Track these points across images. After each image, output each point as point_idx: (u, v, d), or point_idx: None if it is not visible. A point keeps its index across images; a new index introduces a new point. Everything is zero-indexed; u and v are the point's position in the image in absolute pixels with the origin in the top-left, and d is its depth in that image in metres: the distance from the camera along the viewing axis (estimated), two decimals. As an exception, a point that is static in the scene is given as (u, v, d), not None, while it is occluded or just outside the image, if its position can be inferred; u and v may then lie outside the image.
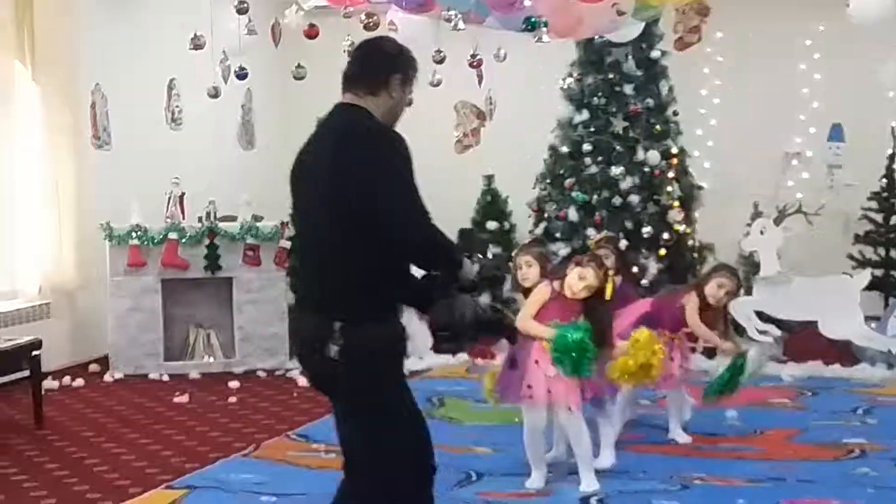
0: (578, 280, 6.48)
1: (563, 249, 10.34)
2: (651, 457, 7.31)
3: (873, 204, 10.92)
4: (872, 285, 10.40)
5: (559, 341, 6.36)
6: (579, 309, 6.52)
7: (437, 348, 5.25)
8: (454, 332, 4.56)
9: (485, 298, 9.89)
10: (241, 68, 8.63)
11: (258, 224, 10.47)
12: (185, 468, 7.18)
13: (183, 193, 10.50)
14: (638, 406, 8.14)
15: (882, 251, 10.83)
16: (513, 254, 7.22)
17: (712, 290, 7.49)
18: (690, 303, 7.50)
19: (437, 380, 9.79)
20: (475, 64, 8.31)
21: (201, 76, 9.21)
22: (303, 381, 9.71)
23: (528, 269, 6.70)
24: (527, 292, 6.69)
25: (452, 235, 4.96)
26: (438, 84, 8.05)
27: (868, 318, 10.11)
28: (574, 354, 6.35)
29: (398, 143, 4.43)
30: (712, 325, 7.53)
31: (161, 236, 10.23)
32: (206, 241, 10.32)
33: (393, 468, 4.48)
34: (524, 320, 6.49)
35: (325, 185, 4.43)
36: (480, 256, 4.56)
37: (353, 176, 4.37)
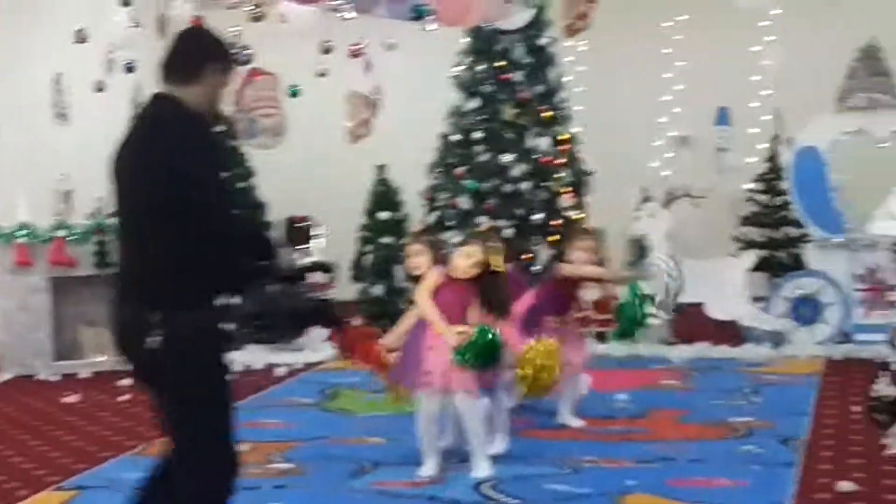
0: (466, 258, 6.53)
1: (455, 238, 10.38)
2: (543, 442, 7.37)
3: (758, 186, 11.12)
4: (758, 266, 10.61)
5: (469, 350, 6.39)
6: (472, 292, 6.56)
7: (253, 339, 5.14)
8: (267, 322, 4.61)
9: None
10: (130, 61, 8.54)
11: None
12: (75, 469, 7.09)
13: (71, 190, 10.36)
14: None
15: (767, 232, 11.03)
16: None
17: (576, 257, 7.58)
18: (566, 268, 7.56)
19: (330, 372, 9.78)
20: (355, 53, 8.31)
21: (89, 71, 9.09)
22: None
23: (417, 258, 6.72)
24: (418, 281, 6.70)
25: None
26: (324, 74, 8.03)
27: (754, 299, 10.31)
28: (482, 356, 6.39)
29: (205, 132, 4.57)
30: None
31: (48, 234, 10.09)
32: (95, 238, 10.20)
33: (201, 456, 4.51)
34: (424, 307, 6.51)
35: (134, 176, 4.51)
36: (304, 246, 4.58)
37: (159, 166, 4.40)
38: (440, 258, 6.76)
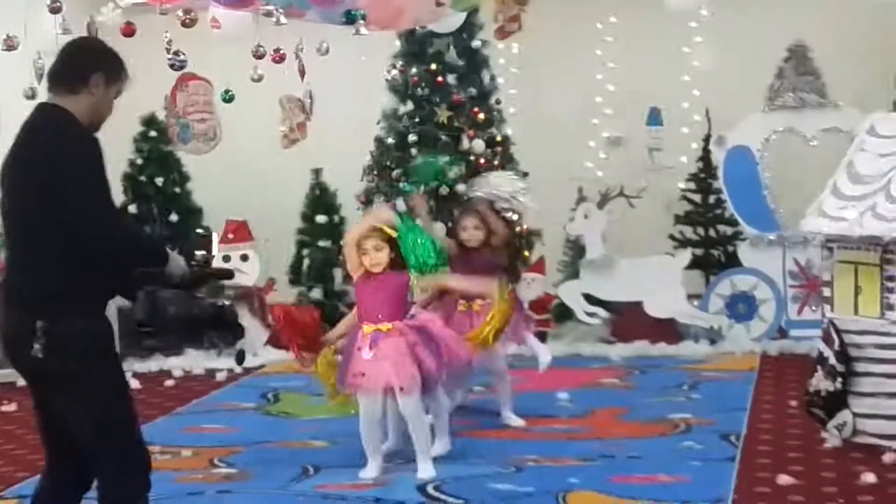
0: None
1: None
2: (485, 442, 7.42)
3: (691, 185, 11.23)
4: (693, 264, 10.72)
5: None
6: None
7: (142, 345, 5.13)
8: (157, 327, 4.56)
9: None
10: (57, 68, 8.46)
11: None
12: (16, 477, 7.03)
13: None
14: (470, 393, 8.24)
15: (701, 231, 11.14)
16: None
17: (464, 235, 7.62)
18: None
19: (271, 376, 9.76)
20: (277, 59, 8.28)
21: (15, 77, 8.99)
22: (135, 384, 9.58)
23: (377, 254, 6.61)
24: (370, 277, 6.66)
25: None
26: (260, 80, 8.01)
27: (690, 297, 10.42)
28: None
29: (85, 141, 4.53)
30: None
31: (-18, 240, 9.97)
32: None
33: (111, 458, 4.57)
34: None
35: (16, 185, 4.57)
36: (202, 253, 4.75)
37: (40, 175, 4.44)
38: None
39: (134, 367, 10.06)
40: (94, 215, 4.44)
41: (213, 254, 5.30)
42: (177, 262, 4.69)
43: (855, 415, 6.84)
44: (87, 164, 4.47)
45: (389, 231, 6.60)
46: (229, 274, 5.26)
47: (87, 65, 4.64)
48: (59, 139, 4.51)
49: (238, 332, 5.00)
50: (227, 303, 5.04)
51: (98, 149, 4.51)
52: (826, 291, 7.14)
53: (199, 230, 5.05)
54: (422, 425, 6.68)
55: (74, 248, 4.42)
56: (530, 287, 10.13)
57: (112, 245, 4.51)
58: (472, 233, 7.64)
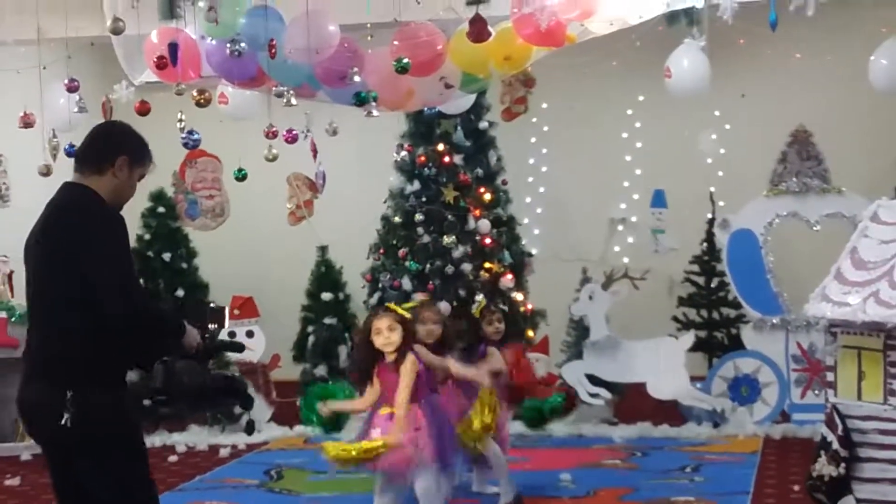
0: (423, 325, 6.78)
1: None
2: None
3: (695, 267, 11.28)
4: (696, 346, 10.74)
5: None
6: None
7: (156, 413, 5.15)
8: (171, 396, 4.79)
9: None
10: (72, 145, 8.57)
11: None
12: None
13: (12, 271, 10.33)
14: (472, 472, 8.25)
15: (704, 313, 11.18)
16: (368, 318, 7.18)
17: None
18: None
19: (274, 451, 9.77)
20: (290, 140, 8.40)
21: (30, 153, 9.11)
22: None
23: (391, 334, 6.65)
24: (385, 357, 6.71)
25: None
26: (275, 159, 8.11)
27: (693, 379, 10.44)
28: None
29: (110, 220, 4.74)
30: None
31: (-11, 315, 10.04)
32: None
33: None
34: (401, 407, 6.57)
35: (42, 261, 4.77)
36: (215, 326, 5.05)
37: (65, 252, 4.66)
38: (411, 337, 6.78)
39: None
40: (118, 292, 4.61)
41: (225, 327, 5.29)
42: (192, 334, 4.86)
43: (858, 500, 6.83)
44: (113, 243, 4.69)
45: (403, 312, 6.66)
46: (240, 347, 5.40)
47: (114, 148, 4.87)
48: (86, 218, 4.70)
49: (248, 402, 5.14)
50: (236, 373, 5.03)
51: (124, 227, 4.72)
52: (829, 376, 7.16)
53: (212, 304, 5.24)
54: (435, 499, 6.70)
55: (99, 322, 4.59)
56: (535, 366, 10.16)
57: (133, 321, 4.67)
58: (497, 326, 7.84)
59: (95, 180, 4.81)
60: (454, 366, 6.98)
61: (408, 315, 6.65)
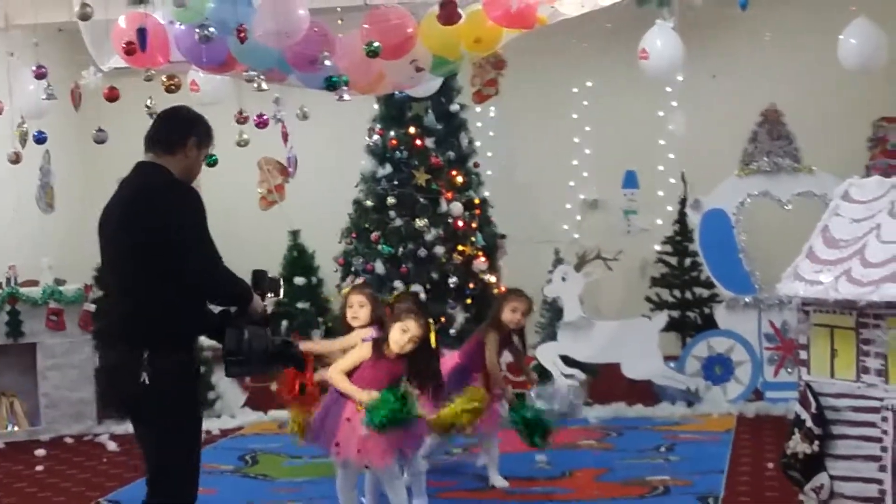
0: (402, 333, 6.58)
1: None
2: (463, 502, 7.43)
3: (668, 248, 11.32)
4: (670, 326, 10.79)
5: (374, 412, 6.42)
6: (401, 370, 6.61)
7: (228, 372, 5.58)
8: (242, 358, 5.21)
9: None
10: (40, 132, 8.52)
11: (61, 288, 10.32)
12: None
13: (-19, 257, 10.30)
14: (450, 455, 8.26)
15: (677, 293, 11.21)
16: (343, 293, 7.25)
17: (507, 315, 7.71)
18: (489, 341, 7.65)
19: (249, 437, 9.76)
20: (260, 124, 8.35)
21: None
22: (112, 446, 9.59)
23: (359, 309, 6.81)
24: (350, 331, 6.75)
25: (248, 275, 5.53)
26: (246, 144, 8.08)
27: (667, 358, 10.47)
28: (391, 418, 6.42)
29: (191, 195, 5.22)
30: (518, 356, 7.91)
31: (-41, 304, 10.01)
32: (7, 307, 10.11)
33: (175, 477, 5.23)
34: (336, 372, 6.55)
35: (123, 234, 5.18)
36: (273, 295, 5.50)
37: (149, 225, 5.08)
38: (377, 316, 6.82)
39: (112, 430, 10.09)
40: (204, 262, 5.11)
41: (280, 296, 6.06)
42: (258, 302, 5.35)
43: (832, 477, 6.87)
44: (193, 215, 5.13)
45: (433, 336, 6.68)
46: (294, 315, 5.73)
47: (184, 130, 5.37)
48: (168, 193, 5.17)
49: (301, 366, 5.79)
50: (291, 340, 5.73)
51: (201, 201, 5.19)
52: (802, 354, 7.19)
53: (271, 275, 5.69)
54: (397, 489, 6.70)
55: (178, 290, 5.06)
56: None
57: (217, 288, 5.22)
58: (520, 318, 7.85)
59: (167, 159, 5.28)
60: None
61: (377, 295, 6.70)
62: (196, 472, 5.32)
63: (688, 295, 11.20)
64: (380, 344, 6.61)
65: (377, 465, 6.54)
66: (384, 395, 6.40)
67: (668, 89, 11.47)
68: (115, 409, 5.55)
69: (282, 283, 6.11)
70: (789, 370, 9.99)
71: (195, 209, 5.15)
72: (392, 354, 6.59)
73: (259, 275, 5.60)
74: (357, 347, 6.66)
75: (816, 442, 6.85)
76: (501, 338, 7.76)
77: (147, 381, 5.02)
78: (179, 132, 5.35)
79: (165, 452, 5.19)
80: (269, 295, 5.54)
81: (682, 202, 11.22)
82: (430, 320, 6.85)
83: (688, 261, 11.20)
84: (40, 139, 8.68)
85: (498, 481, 7.80)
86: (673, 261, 11.27)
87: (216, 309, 5.44)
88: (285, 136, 8.96)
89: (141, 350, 5.05)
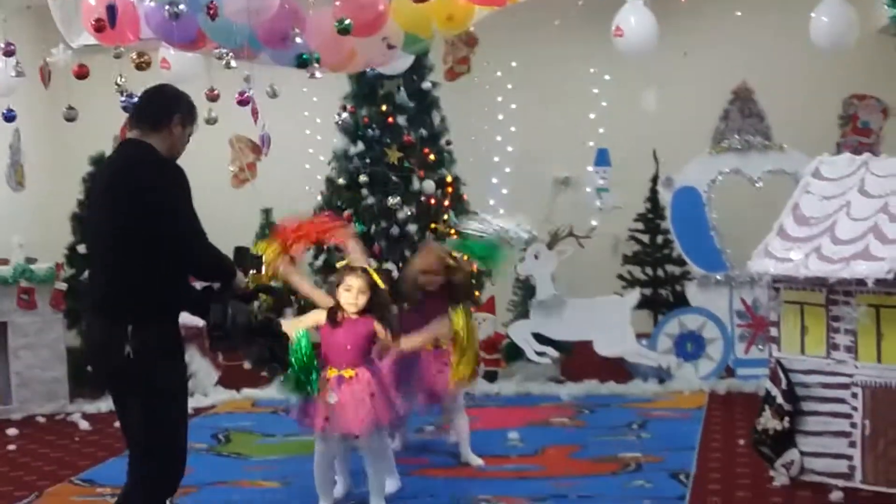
0: (346, 292, 6.61)
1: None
2: (436, 480, 7.46)
3: (640, 225, 11.33)
4: (642, 304, 10.82)
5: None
6: (368, 328, 6.65)
7: (212, 347, 5.78)
8: (226, 332, 5.30)
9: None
10: (10, 109, 8.46)
11: (32, 266, 10.27)
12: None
13: (-45, 234, 10.25)
14: (422, 432, 8.28)
15: (650, 271, 11.24)
16: (339, 266, 7.19)
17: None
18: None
19: (222, 415, 9.76)
20: (241, 101, 8.32)
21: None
22: (84, 425, 9.57)
23: (359, 296, 6.67)
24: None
25: (229, 251, 5.58)
26: (214, 122, 8.03)
27: (639, 336, 10.51)
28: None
29: (176, 172, 5.32)
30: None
31: (-72, 281, 9.95)
32: (-28, 283, 10.07)
33: (161, 449, 5.30)
34: (290, 327, 6.50)
35: (109, 209, 5.27)
36: (254, 271, 5.56)
37: (134, 201, 5.16)
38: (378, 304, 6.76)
39: (84, 408, 10.07)
40: (189, 238, 5.23)
41: (262, 272, 6.01)
42: (241, 277, 5.47)
43: (802, 453, 6.93)
44: (179, 191, 5.24)
45: (377, 277, 6.66)
46: (277, 291, 6.28)
47: (169, 108, 5.44)
48: (153, 169, 5.26)
49: (284, 342, 5.67)
50: (272, 315, 5.74)
51: (186, 177, 5.30)
52: (773, 331, 7.24)
53: (252, 251, 5.81)
54: (381, 464, 6.72)
55: (162, 265, 5.17)
56: (481, 326, 10.20)
57: (202, 264, 5.34)
58: (432, 278, 7.68)
59: (153, 137, 5.35)
60: (410, 342, 6.96)
61: (382, 284, 6.67)
62: (183, 448, 5.40)
63: (660, 273, 11.23)
64: (333, 314, 6.62)
65: (354, 433, 6.54)
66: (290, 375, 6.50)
67: (640, 66, 11.47)
68: (99, 384, 5.58)
69: (263, 259, 6.15)
70: (760, 347, 10.03)
71: (180, 185, 5.25)
72: (352, 316, 6.62)
73: (241, 251, 5.67)
74: (314, 312, 6.68)
75: (787, 418, 6.92)
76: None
77: (131, 355, 5.12)
78: (164, 110, 5.43)
79: (151, 427, 5.24)
80: (250, 271, 5.61)
81: (654, 180, 11.24)
82: (366, 265, 6.91)
83: (660, 238, 11.22)
84: (9, 117, 8.63)
85: (472, 459, 7.81)
86: (645, 238, 11.29)
87: (199, 285, 5.52)
88: (255, 114, 8.93)
89: (125, 323, 5.14)
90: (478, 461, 7.80)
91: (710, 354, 10.30)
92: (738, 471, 7.40)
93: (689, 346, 10.34)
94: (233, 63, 7.54)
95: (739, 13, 11.59)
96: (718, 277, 10.43)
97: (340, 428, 6.53)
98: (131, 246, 5.18)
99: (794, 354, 7.04)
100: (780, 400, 6.93)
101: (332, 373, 6.56)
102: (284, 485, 7.47)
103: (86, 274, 10.47)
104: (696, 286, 10.58)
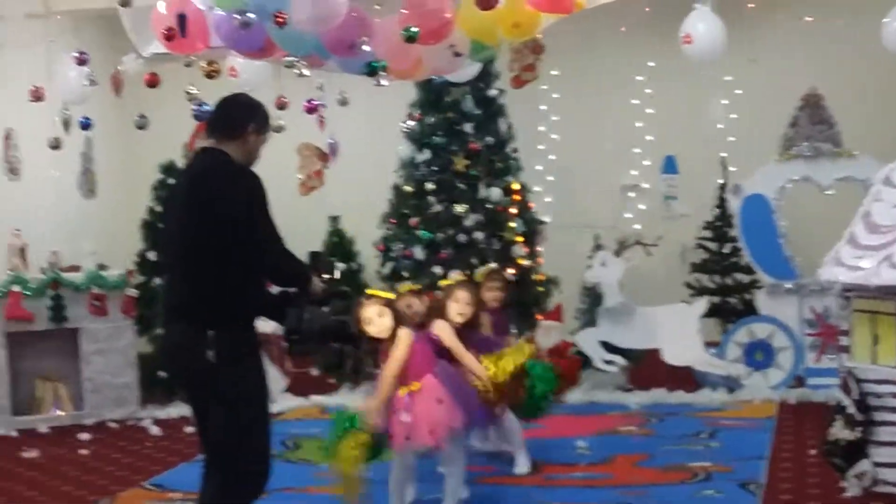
0: (456, 304, 6.88)
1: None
2: (505, 488, 7.45)
3: (707, 233, 11.27)
4: (710, 312, 10.74)
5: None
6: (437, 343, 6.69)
7: (289, 351, 5.97)
8: (302, 336, 5.41)
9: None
10: (85, 118, 8.57)
11: (103, 273, 10.39)
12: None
13: (25, 244, 10.37)
14: (486, 439, 8.27)
15: (718, 279, 11.17)
16: (446, 284, 7.26)
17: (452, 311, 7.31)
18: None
19: (290, 422, 9.80)
20: (310, 109, 8.38)
21: (39, 126, 9.10)
22: (155, 431, 9.66)
23: (466, 307, 6.83)
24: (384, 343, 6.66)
25: (303, 257, 5.72)
26: (282, 130, 8.09)
27: (708, 344, 10.43)
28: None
29: (253, 179, 5.38)
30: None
31: (3, 289, 10.07)
32: (51, 292, 10.19)
33: (243, 452, 5.37)
34: (390, 376, 6.53)
35: (188, 217, 5.36)
36: (328, 276, 5.63)
37: (215, 208, 5.26)
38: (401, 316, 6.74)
39: (155, 414, 10.17)
40: (267, 244, 5.33)
41: (336, 277, 6.02)
42: (316, 282, 5.54)
43: (875, 464, 6.85)
44: (258, 197, 5.33)
45: (385, 295, 6.66)
46: (348, 295, 6.09)
47: (244, 117, 5.55)
48: (230, 176, 5.38)
49: (358, 344, 5.94)
50: (346, 319, 5.78)
51: (262, 185, 5.37)
52: (844, 340, 7.16)
53: (318, 253, 5.96)
54: (457, 471, 6.73)
55: (241, 271, 5.28)
56: (548, 334, 10.17)
57: (279, 269, 5.45)
58: (495, 294, 7.81)
59: (229, 145, 5.47)
60: (468, 359, 6.92)
61: (391, 296, 6.66)
62: (264, 453, 5.48)
63: (728, 281, 11.15)
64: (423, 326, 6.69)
65: (431, 445, 6.56)
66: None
67: (708, 73, 11.40)
68: (177, 389, 5.69)
69: (335, 263, 6.21)
70: (831, 356, 9.92)
71: (255, 193, 5.33)
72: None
73: (316, 256, 5.77)
74: (396, 346, 6.58)
75: (859, 428, 6.82)
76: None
77: (213, 360, 5.22)
78: (239, 119, 5.54)
79: (231, 432, 5.32)
80: (324, 275, 5.69)
81: (722, 187, 11.17)
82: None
83: (728, 246, 11.14)
84: (85, 125, 8.76)
85: (520, 462, 7.80)
86: (713, 246, 11.22)
87: (275, 290, 5.62)
88: (322, 122, 8.98)
89: (205, 329, 5.23)
90: (524, 468, 7.77)
91: (780, 363, 10.20)
92: (809, 481, 7.32)
93: (759, 354, 10.25)
94: (305, 71, 7.58)
95: (809, 18, 11.49)
96: (788, 286, 10.34)
97: (419, 443, 6.54)
98: (208, 254, 5.27)
99: (866, 364, 6.95)
100: (851, 410, 6.85)
101: (402, 391, 6.56)
102: (352, 491, 7.48)
103: (157, 280, 10.62)
104: (765, 294, 10.49)
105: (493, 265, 8.44)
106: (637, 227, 11.15)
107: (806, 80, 10.79)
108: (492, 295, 7.80)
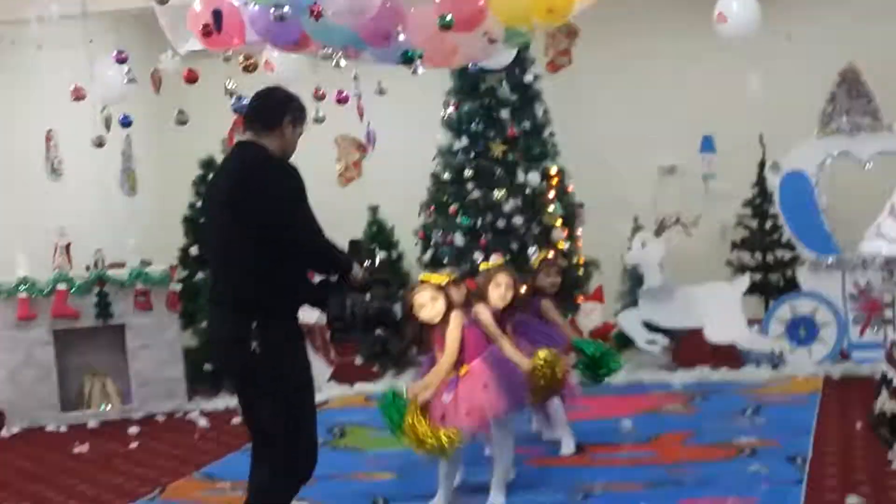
0: (497, 286, 6.96)
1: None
2: (551, 469, 7.48)
3: (747, 211, 11.26)
4: (752, 289, 10.74)
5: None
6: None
7: (333, 339, 6.07)
8: (345, 323, 5.50)
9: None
10: (126, 115, 8.64)
11: (147, 269, 10.50)
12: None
13: (69, 243, 10.49)
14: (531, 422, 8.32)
15: (759, 256, 11.16)
16: (487, 267, 7.30)
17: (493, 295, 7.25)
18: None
19: (336, 409, 9.87)
20: (340, 100, 8.43)
21: (80, 125, 9.19)
22: (203, 422, 9.75)
23: (434, 304, 6.60)
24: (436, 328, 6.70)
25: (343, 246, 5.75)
26: (322, 121, 8.14)
27: (750, 322, 10.43)
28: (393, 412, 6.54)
29: (291, 171, 5.45)
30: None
31: (49, 287, 10.20)
32: (96, 290, 10.31)
33: (290, 440, 5.42)
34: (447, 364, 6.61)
35: (228, 210, 5.40)
36: (369, 263, 5.70)
37: (255, 201, 5.31)
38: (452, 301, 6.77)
39: (202, 406, 10.27)
40: (307, 235, 5.41)
41: (376, 264, 6.14)
42: (357, 269, 5.60)
43: (921, 435, 6.85)
44: (297, 191, 5.39)
45: (437, 279, 6.68)
46: (388, 282, 6.27)
47: (280, 110, 5.61)
48: (268, 169, 5.44)
49: (399, 328, 6.05)
50: (389, 305, 5.86)
51: (301, 176, 5.43)
52: (888, 313, 7.16)
53: (358, 241, 6.07)
54: (505, 453, 6.78)
55: (283, 261, 5.32)
56: (590, 316, 10.21)
57: (320, 258, 5.53)
58: (554, 279, 7.99)
59: (265, 138, 5.53)
60: (507, 345, 6.91)
61: (442, 282, 6.68)
62: (311, 441, 5.55)
63: (769, 258, 11.15)
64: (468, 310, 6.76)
65: (496, 421, 6.62)
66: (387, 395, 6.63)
67: (743, 52, 11.36)
68: (223, 380, 5.77)
69: (376, 251, 6.27)
70: (875, 330, 9.90)
71: (296, 184, 5.39)
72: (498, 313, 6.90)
73: (355, 244, 5.86)
74: (450, 330, 6.62)
75: (904, 399, 6.82)
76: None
77: (258, 351, 5.26)
78: (276, 111, 5.59)
79: (277, 421, 5.38)
80: (365, 263, 5.76)
81: (761, 165, 11.15)
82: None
83: (768, 223, 11.14)
84: (126, 122, 8.81)
85: (565, 443, 7.85)
86: (753, 224, 11.21)
87: (316, 278, 5.71)
88: (361, 113, 9.02)
89: (250, 320, 5.28)
90: (569, 449, 7.82)
91: (824, 338, 10.19)
92: (855, 454, 7.32)
93: (802, 330, 10.24)
94: (342, 62, 7.63)
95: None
96: (830, 261, 10.31)
97: (456, 425, 6.55)
98: (248, 247, 5.32)
99: (910, 335, 6.95)
100: (896, 382, 6.85)
101: (450, 374, 6.62)
102: (400, 476, 7.55)
103: (200, 275, 10.72)
104: (807, 270, 10.47)
105: (549, 251, 8.53)
106: (676, 207, 11.12)
107: (842, 54, 10.74)
108: (550, 280, 7.93)
